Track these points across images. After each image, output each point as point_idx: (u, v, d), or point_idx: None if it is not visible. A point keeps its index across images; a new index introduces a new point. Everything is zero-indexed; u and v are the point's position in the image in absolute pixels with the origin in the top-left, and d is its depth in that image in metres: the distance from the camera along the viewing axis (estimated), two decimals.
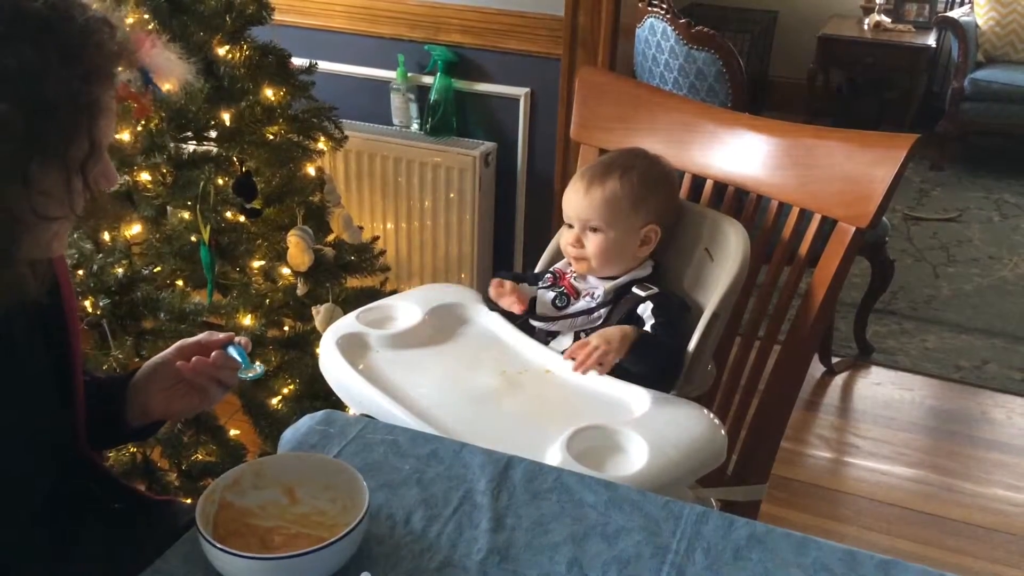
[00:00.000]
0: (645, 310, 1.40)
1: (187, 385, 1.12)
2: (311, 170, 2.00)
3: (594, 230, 1.43)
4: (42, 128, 0.82)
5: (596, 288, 1.45)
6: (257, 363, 1.13)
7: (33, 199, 0.84)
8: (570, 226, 1.46)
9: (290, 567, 0.88)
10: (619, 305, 1.43)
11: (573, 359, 1.34)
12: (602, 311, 1.43)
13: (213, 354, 1.10)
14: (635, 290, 1.42)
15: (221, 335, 1.14)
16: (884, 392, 2.88)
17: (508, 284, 1.47)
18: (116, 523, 1.13)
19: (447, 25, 2.46)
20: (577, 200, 1.44)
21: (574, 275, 1.48)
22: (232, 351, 1.12)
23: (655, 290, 1.42)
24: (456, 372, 1.38)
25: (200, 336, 1.14)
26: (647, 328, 1.39)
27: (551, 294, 1.47)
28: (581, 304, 1.44)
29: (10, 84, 0.79)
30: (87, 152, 0.87)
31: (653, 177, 1.45)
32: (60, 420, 1.07)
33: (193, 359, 1.10)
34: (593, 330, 1.42)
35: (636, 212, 1.42)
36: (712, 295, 1.41)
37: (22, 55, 0.80)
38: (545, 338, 1.47)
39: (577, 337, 1.43)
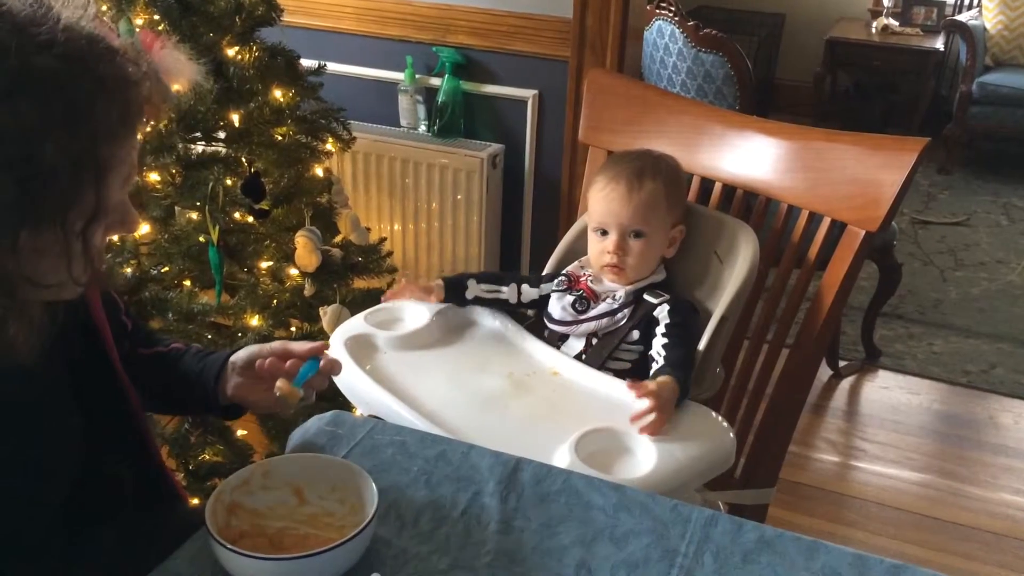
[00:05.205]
0: (661, 311, 1.39)
1: (264, 381, 1.12)
2: (319, 171, 2.01)
3: (637, 235, 1.41)
4: (37, 193, 0.78)
5: (616, 290, 1.43)
6: (303, 390, 1.10)
7: (23, 265, 0.80)
8: (603, 233, 1.43)
9: (301, 568, 0.88)
10: (639, 307, 1.41)
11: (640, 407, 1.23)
12: (625, 311, 1.41)
13: (288, 363, 1.10)
14: (646, 296, 1.42)
15: (314, 345, 1.13)
16: (891, 396, 2.87)
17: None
18: (126, 520, 1.13)
19: (455, 27, 2.46)
20: (620, 206, 1.40)
21: (590, 278, 1.46)
22: (305, 367, 1.10)
23: (666, 296, 1.41)
24: (464, 374, 1.38)
25: (298, 345, 1.13)
26: (660, 328, 1.37)
27: (569, 298, 1.46)
28: (602, 307, 1.43)
29: (3, 146, 0.75)
30: (91, 215, 0.83)
31: (676, 175, 1.46)
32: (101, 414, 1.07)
33: (268, 360, 1.10)
34: (615, 332, 1.41)
35: (670, 212, 1.42)
36: (721, 298, 1.41)
37: (20, 114, 0.76)
38: (556, 342, 1.46)
39: (589, 341, 1.43)
